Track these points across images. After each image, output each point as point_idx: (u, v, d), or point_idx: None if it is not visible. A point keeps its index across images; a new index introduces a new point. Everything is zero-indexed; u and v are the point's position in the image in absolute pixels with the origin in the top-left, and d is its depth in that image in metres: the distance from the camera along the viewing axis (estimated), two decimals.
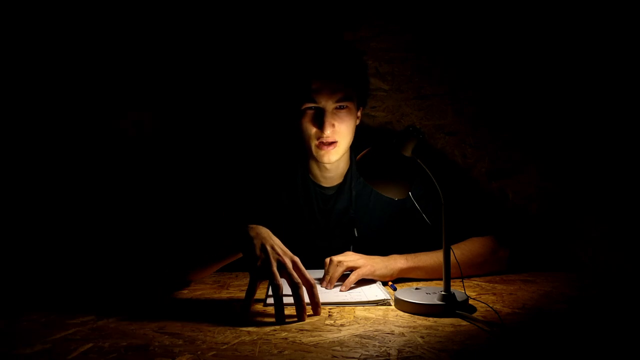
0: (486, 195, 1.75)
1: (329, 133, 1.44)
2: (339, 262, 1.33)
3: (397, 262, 1.37)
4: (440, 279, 1.18)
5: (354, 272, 1.32)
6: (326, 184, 1.60)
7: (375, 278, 1.35)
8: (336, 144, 1.47)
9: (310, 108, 1.46)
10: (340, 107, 1.46)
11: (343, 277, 1.33)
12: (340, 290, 1.30)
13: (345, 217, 1.57)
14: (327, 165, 1.54)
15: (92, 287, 1.41)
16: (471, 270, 1.43)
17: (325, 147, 1.47)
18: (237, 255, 1.27)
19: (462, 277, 1.28)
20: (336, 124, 1.46)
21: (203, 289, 1.35)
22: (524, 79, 1.71)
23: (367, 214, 1.57)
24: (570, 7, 1.64)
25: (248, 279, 1.13)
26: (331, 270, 1.33)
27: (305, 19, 1.76)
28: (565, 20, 1.65)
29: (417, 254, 1.41)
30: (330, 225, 1.58)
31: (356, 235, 1.55)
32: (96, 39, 1.76)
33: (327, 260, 1.35)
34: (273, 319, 1.11)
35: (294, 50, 1.66)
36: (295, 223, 1.57)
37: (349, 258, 1.35)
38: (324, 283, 1.32)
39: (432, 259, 1.40)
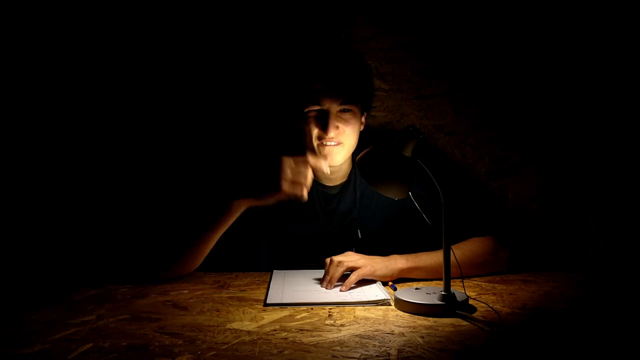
0: (486, 195, 1.75)
1: (332, 135, 1.44)
2: (340, 262, 1.33)
3: (397, 263, 1.37)
4: (440, 279, 1.18)
5: (354, 272, 1.32)
6: (329, 183, 1.60)
7: (375, 278, 1.35)
8: (342, 145, 1.48)
9: (314, 110, 1.46)
10: (345, 110, 1.46)
11: (343, 277, 1.33)
12: (341, 290, 1.30)
13: (348, 218, 1.57)
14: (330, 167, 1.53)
15: (93, 282, 1.40)
16: (471, 271, 1.43)
17: (328, 147, 1.47)
18: (236, 208, 1.36)
19: (462, 277, 1.28)
20: (341, 125, 1.46)
21: (203, 289, 1.35)
22: (524, 79, 1.71)
23: (369, 214, 1.57)
24: (570, 7, 1.64)
25: (248, 278, 1.13)
26: (331, 271, 1.33)
27: (309, 20, 1.76)
28: (566, 20, 1.66)
29: (417, 254, 1.40)
30: (332, 225, 1.58)
31: (360, 236, 1.55)
32: (99, 36, 1.77)
33: (328, 260, 1.35)
34: (273, 319, 1.11)
35: (300, 52, 1.66)
36: (297, 222, 1.57)
37: (349, 258, 1.35)
38: (324, 283, 1.32)
39: (433, 259, 1.40)
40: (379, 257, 1.37)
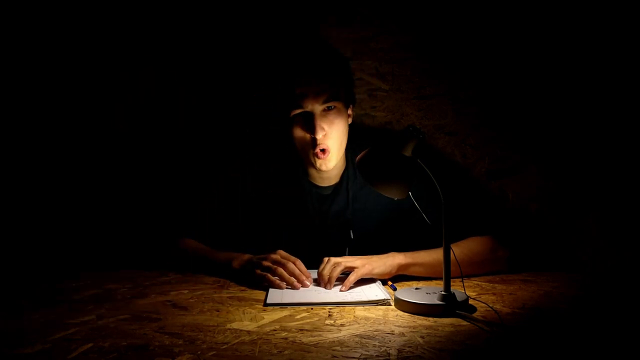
0: (486, 195, 1.75)
1: (320, 136, 1.44)
2: (337, 262, 1.34)
3: (395, 258, 1.37)
4: (439, 278, 1.18)
5: (353, 272, 1.32)
6: (322, 183, 1.60)
7: (374, 276, 1.35)
8: (327, 151, 1.47)
9: (299, 114, 1.46)
10: (329, 108, 1.46)
11: (342, 279, 1.33)
12: (341, 290, 1.30)
13: (342, 218, 1.57)
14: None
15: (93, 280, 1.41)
16: (470, 269, 1.43)
17: (321, 156, 1.47)
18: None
19: (462, 276, 1.28)
20: (326, 127, 1.45)
21: (203, 289, 1.35)
22: (525, 78, 1.71)
23: (364, 215, 1.57)
24: (570, 7, 1.64)
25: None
26: (327, 269, 1.33)
27: (308, 20, 1.77)
28: (566, 20, 1.65)
29: (416, 252, 1.41)
30: (326, 226, 1.58)
31: (352, 237, 1.55)
32: (88, 35, 1.78)
33: (325, 259, 1.36)
34: (273, 319, 1.11)
35: (274, 60, 1.66)
36: (290, 222, 1.57)
37: (347, 259, 1.35)
38: (323, 283, 1.33)
39: (431, 255, 1.40)
40: (376, 255, 1.37)
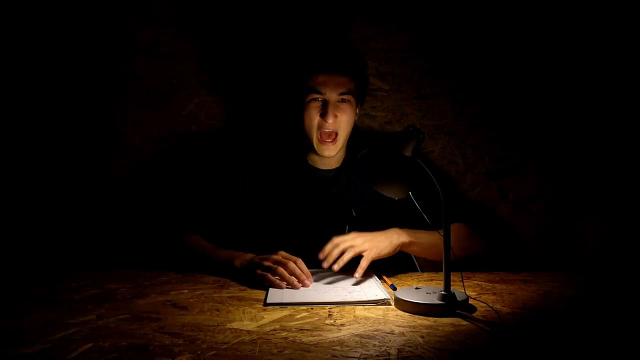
0: (458, 187, 1.79)
1: (331, 121, 1.51)
2: (349, 246, 1.36)
3: (400, 237, 1.43)
4: (437, 264, 1.18)
5: (364, 258, 1.35)
6: (324, 167, 1.65)
7: (383, 257, 1.39)
8: (336, 136, 1.54)
9: (315, 99, 1.53)
10: (343, 100, 1.53)
11: (342, 279, 1.34)
12: (355, 277, 1.34)
13: (342, 199, 1.62)
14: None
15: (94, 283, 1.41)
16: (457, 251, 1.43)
17: (326, 143, 1.54)
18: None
19: (461, 270, 1.28)
20: (338, 114, 1.53)
21: (203, 289, 1.35)
22: (524, 79, 1.71)
23: (363, 197, 1.61)
24: (570, 7, 1.65)
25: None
26: (335, 252, 1.35)
27: (310, 17, 1.78)
28: (566, 20, 1.66)
29: (415, 230, 1.47)
30: (327, 207, 1.62)
31: (354, 215, 1.60)
32: (87, 32, 1.78)
33: (334, 239, 1.37)
34: (273, 319, 1.11)
35: (302, 45, 1.70)
36: (292, 205, 1.61)
37: (356, 242, 1.37)
38: (333, 265, 1.35)
39: (429, 236, 1.47)
40: (379, 233, 1.42)
